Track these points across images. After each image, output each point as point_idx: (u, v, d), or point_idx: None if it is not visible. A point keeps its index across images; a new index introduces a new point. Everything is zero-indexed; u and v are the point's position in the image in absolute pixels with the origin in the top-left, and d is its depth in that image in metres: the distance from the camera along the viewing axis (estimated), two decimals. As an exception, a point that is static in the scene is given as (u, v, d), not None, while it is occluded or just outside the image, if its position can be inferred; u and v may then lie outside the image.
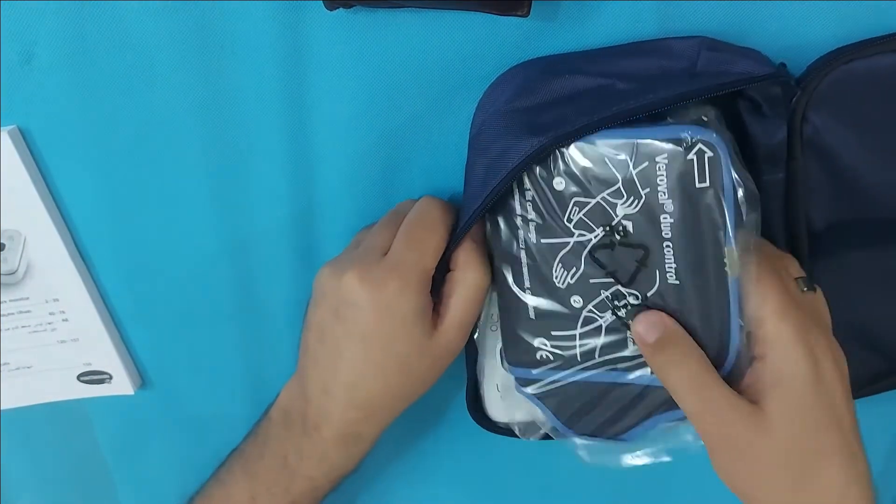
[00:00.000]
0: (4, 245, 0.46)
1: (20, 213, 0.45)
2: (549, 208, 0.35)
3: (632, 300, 0.36)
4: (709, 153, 0.32)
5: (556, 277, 0.36)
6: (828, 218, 0.39)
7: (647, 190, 0.33)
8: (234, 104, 0.41)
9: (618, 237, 0.34)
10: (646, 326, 0.35)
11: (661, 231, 0.34)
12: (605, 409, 0.39)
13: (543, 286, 0.37)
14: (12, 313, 0.49)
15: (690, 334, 0.35)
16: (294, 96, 0.41)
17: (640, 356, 0.37)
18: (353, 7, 0.37)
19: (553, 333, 0.38)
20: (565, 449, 0.41)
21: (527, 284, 0.37)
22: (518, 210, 0.36)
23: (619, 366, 0.37)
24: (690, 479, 0.55)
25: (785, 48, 0.37)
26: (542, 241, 0.36)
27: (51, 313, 0.49)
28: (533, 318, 0.38)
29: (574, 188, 0.34)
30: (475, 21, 0.38)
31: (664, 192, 0.33)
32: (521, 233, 0.36)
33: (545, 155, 0.34)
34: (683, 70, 0.35)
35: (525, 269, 0.37)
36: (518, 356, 0.39)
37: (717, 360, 0.35)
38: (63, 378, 0.52)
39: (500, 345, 0.41)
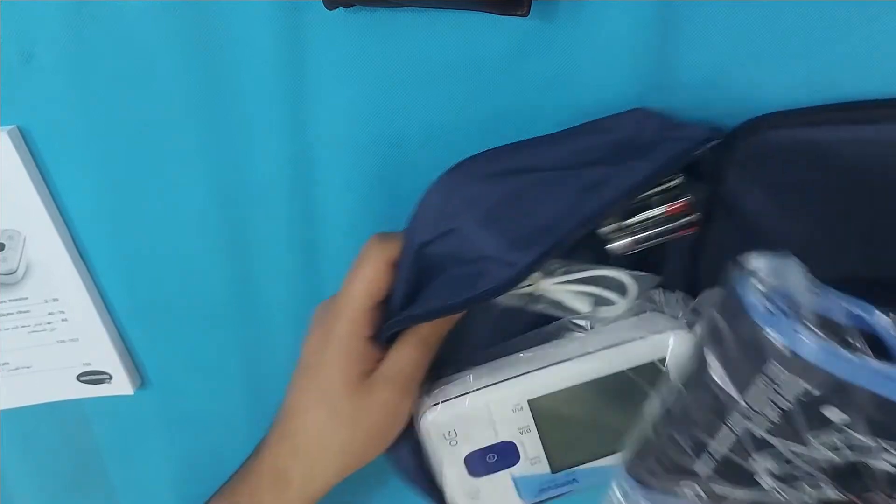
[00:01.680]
0: (4, 245, 0.46)
1: (20, 213, 0.45)
2: (799, 421, 0.29)
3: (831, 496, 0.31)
4: None
5: (757, 463, 0.31)
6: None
7: None
8: (234, 104, 0.41)
9: (867, 470, 0.29)
10: None
11: None
12: None
13: (731, 463, 0.32)
14: (12, 313, 0.49)
15: None
16: (294, 96, 0.41)
17: None
18: (353, 7, 0.37)
19: (713, 488, 0.34)
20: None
21: (711, 450, 0.32)
22: (752, 403, 0.30)
23: None
24: None
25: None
26: (765, 436, 0.30)
27: (50, 313, 0.49)
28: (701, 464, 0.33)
29: (851, 422, 0.28)
30: (475, 21, 0.38)
31: None
32: (735, 417, 0.30)
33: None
34: (630, 142, 0.36)
35: (715, 441, 0.32)
36: (657, 484, 0.36)
37: None
38: (63, 378, 0.52)
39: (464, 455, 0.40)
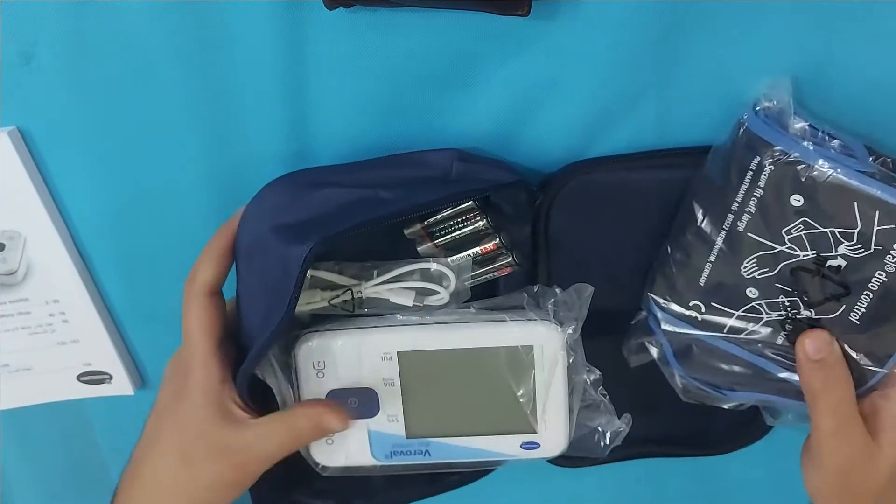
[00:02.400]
0: (4, 245, 0.46)
1: (20, 213, 0.45)
2: (774, 213, 0.36)
3: (806, 314, 0.38)
4: None
5: (745, 268, 0.38)
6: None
7: (879, 248, 0.35)
8: (234, 104, 0.41)
9: (826, 270, 0.36)
10: (815, 345, 0.38)
11: (870, 282, 0.36)
12: (726, 374, 0.42)
13: (726, 268, 0.38)
14: (12, 314, 0.49)
15: (847, 361, 0.38)
16: (294, 96, 0.41)
17: (782, 355, 0.40)
18: (353, 6, 0.37)
19: (713, 304, 0.40)
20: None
21: (710, 258, 0.39)
22: (739, 197, 0.37)
23: (766, 352, 0.40)
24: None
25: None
26: (749, 234, 0.37)
27: (51, 314, 0.49)
28: (702, 284, 0.40)
29: (809, 210, 0.35)
30: (475, 21, 0.38)
31: (893, 256, 0.35)
32: (730, 218, 0.37)
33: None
34: (439, 178, 0.40)
35: (716, 249, 0.38)
36: (671, 296, 0.41)
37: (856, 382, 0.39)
38: (63, 378, 0.52)
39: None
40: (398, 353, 0.40)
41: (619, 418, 0.42)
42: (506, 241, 0.41)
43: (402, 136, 0.42)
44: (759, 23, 0.37)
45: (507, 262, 0.42)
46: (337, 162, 0.43)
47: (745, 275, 0.38)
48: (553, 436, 0.42)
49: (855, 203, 0.34)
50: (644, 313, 0.44)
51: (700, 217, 0.39)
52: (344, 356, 0.40)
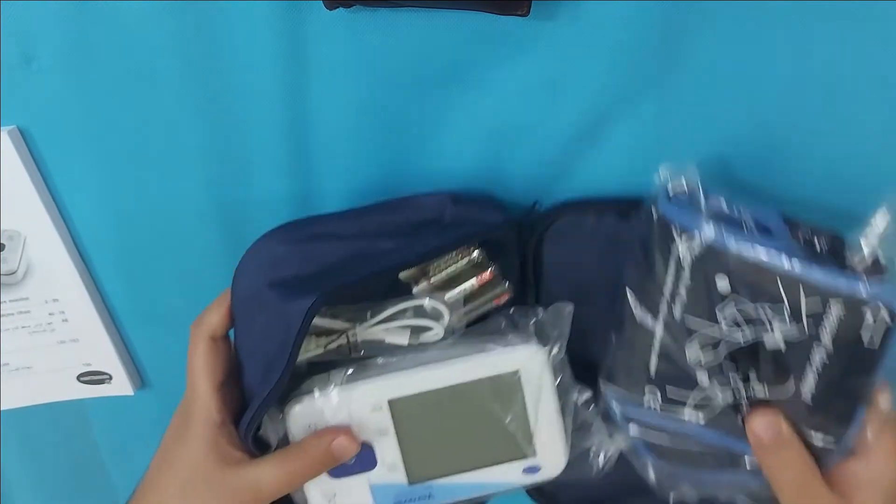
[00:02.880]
0: (4, 245, 0.46)
1: (20, 213, 0.45)
2: (703, 296, 0.35)
3: (758, 394, 0.37)
4: (889, 323, 0.32)
5: (689, 353, 0.37)
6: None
7: (810, 322, 0.34)
8: (234, 104, 0.41)
9: (765, 351, 0.35)
10: (763, 426, 0.36)
11: (812, 363, 0.35)
12: (698, 458, 0.40)
13: (672, 355, 0.37)
14: (12, 314, 0.49)
15: (802, 438, 0.37)
16: (294, 96, 0.41)
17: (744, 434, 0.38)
18: (353, 7, 0.37)
19: (667, 394, 0.39)
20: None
21: (654, 347, 0.38)
22: (668, 283, 0.36)
23: (730, 433, 0.38)
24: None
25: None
26: (686, 319, 0.36)
27: (50, 314, 0.49)
28: (653, 375, 0.38)
29: (736, 288, 0.35)
30: (475, 21, 0.38)
31: (827, 333, 0.34)
32: (664, 305, 0.37)
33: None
34: (433, 221, 0.41)
35: (657, 338, 0.38)
36: (627, 388, 0.40)
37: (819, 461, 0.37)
38: (63, 378, 0.52)
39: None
40: (388, 401, 0.40)
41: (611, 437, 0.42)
42: (499, 270, 0.41)
43: (403, 135, 0.42)
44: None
45: (503, 290, 0.42)
46: (338, 160, 0.43)
47: (690, 361, 0.37)
48: (551, 456, 0.42)
49: (777, 279, 0.34)
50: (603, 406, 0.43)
51: (636, 307, 0.38)
52: (334, 415, 0.39)
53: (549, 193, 0.44)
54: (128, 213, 0.46)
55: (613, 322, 0.40)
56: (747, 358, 0.36)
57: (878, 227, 0.33)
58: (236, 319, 0.40)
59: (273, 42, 0.39)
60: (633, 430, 0.41)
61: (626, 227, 0.41)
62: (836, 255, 0.35)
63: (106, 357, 0.51)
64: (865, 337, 0.33)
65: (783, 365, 0.35)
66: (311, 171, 0.43)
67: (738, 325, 0.35)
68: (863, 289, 0.32)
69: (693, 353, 0.36)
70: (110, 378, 0.53)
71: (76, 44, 0.39)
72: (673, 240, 0.35)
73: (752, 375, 0.36)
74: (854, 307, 0.32)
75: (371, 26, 0.38)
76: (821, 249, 0.35)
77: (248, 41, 0.39)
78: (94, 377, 0.52)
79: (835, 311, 0.33)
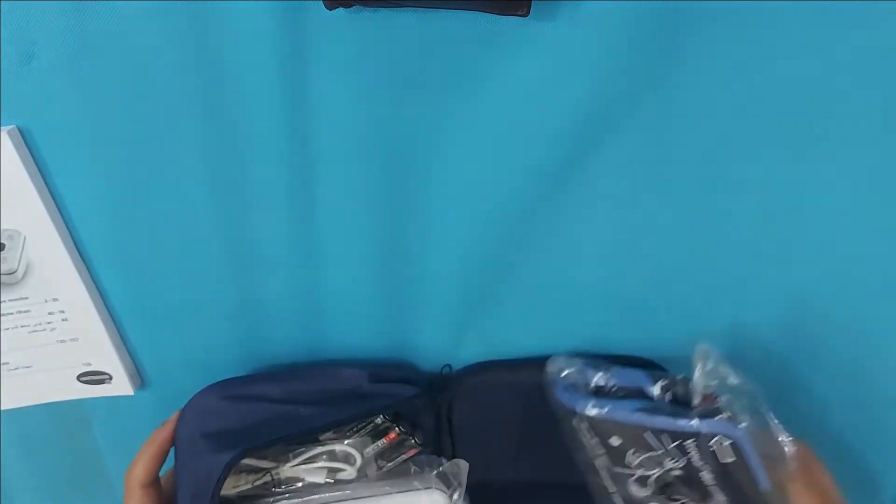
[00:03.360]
0: (4, 245, 0.46)
1: (20, 213, 0.45)
2: (614, 451, 0.44)
3: None
4: (728, 441, 0.41)
5: (633, 491, 0.45)
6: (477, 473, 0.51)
7: (686, 462, 0.43)
8: (234, 104, 0.41)
9: (674, 477, 0.43)
10: None
11: (705, 481, 0.43)
12: None
13: (626, 496, 0.46)
14: (12, 313, 0.49)
15: None
16: (294, 96, 0.41)
17: None
18: (353, 7, 0.37)
19: None
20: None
21: (612, 490, 0.46)
22: (589, 446, 0.45)
23: None
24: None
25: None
26: (615, 468, 0.45)
27: (50, 313, 0.49)
28: None
29: (626, 442, 0.44)
30: (475, 21, 0.38)
31: (699, 460, 0.42)
32: (597, 461, 0.46)
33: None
34: (352, 391, 0.49)
35: (608, 485, 0.46)
36: None
37: None
38: (63, 378, 0.52)
39: None
40: None
41: None
42: (406, 428, 0.50)
43: (403, 135, 0.42)
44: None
45: (412, 445, 0.50)
46: (338, 160, 0.43)
47: (636, 498, 0.45)
48: None
49: (644, 435, 0.43)
50: None
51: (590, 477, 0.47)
52: None
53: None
54: (128, 213, 0.46)
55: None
56: (670, 486, 0.44)
57: (698, 368, 0.42)
58: (178, 456, 0.46)
59: (273, 42, 0.39)
60: None
61: (524, 383, 0.50)
62: (686, 396, 0.43)
63: (106, 357, 0.51)
64: (722, 458, 0.41)
65: (695, 486, 0.43)
66: (312, 169, 0.43)
67: (646, 466, 0.44)
68: (702, 426, 0.41)
69: (634, 490, 0.45)
70: (110, 378, 0.53)
71: (76, 43, 0.39)
72: (572, 416, 0.45)
73: (681, 499, 0.44)
74: (703, 441, 0.41)
75: (371, 26, 0.38)
76: (674, 396, 0.44)
77: (248, 41, 0.39)
78: (94, 377, 0.52)
79: (692, 447, 0.42)
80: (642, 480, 0.44)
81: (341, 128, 0.42)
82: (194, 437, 0.45)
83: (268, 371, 0.52)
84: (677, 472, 0.43)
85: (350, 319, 0.50)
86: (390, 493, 0.46)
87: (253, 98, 0.41)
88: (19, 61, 0.40)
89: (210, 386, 0.48)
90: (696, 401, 0.43)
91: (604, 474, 0.46)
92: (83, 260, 0.48)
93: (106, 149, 0.43)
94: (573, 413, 0.45)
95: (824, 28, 0.37)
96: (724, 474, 0.42)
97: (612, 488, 0.46)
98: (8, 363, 0.51)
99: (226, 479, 0.43)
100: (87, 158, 0.43)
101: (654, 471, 0.44)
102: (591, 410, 0.44)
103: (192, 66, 0.40)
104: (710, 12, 0.37)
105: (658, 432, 0.43)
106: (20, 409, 0.54)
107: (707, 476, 0.43)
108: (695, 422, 0.42)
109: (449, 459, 0.50)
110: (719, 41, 0.38)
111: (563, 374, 0.46)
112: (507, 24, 0.37)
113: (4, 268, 0.46)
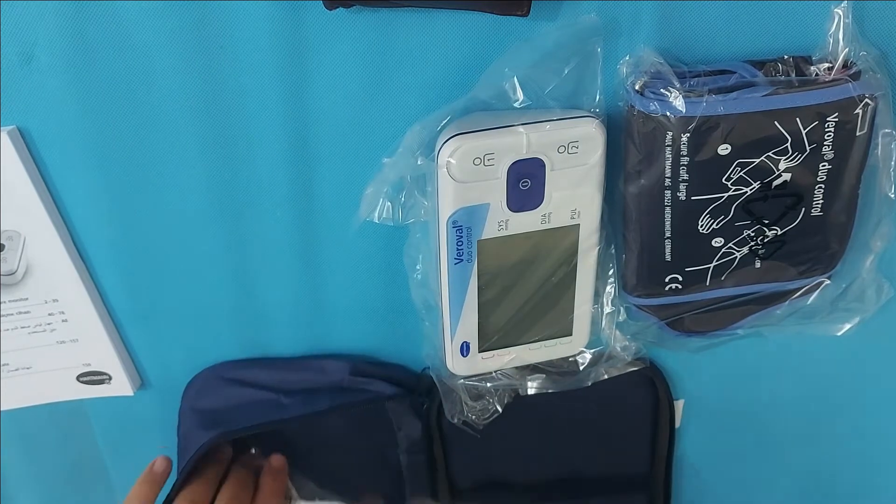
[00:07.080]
0: (4, 245, 0.46)
1: (20, 213, 0.45)
2: (708, 170, 0.37)
3: (771, 234, 0.39)
4: (871, 104, 0.35)
5: (702, 226, 0.39)
6: (471, 479, 0.54)
7: (814, 145, 0.36)
8: (234, 104, 0.41)
9: (775, 191, 0.37)
10: None
11: (817, 177, 0.37)
12: (724, 315, 0.43)
13: (685, 234, 0.39)
14: (12, 314, 0.49)
15: (815, 249, 0.40)
16: (294, 96, 0.41)
17: (763, 276, 0.41)
18: (353, 7, 0.37)
19: (687, 270, 0.41)
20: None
21: (667, 234, 0.39)
22: (667, 173, 0.37)
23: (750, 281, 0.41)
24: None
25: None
26: (693, 197, 0.38)
27: (50, 314, 0.49)
28: (669, 259, 0.40)
29: (738, 151, 0.36)
30: (475, 21, 0.38)
31: (829, 145, 0.36)
32: (667, 193, 0.38)
33: None
34: (334, 385, 0.50)
35: (667, 227, 0.39)
36: (647, 290, 0.42)
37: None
38: (62, 378, 0.52)
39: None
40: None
41: None
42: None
43: (401, 135, 0.42)
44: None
45: None
46: (338, 160, 0.43)
47: (704, 231, 0.39)
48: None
49: (776, 122, 0.35)
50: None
51: (635, 211, 0.39)
52: None
53: None
54: (127, 213, 0.46)
55: (614, 228, 0.42)
56: (756, 206, 0.38)
57: (838, 32, 0.35)
58: (181, 421, 0.52)
59: (273, 42, 0.39)
60: (657, 314, 0.43)
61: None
62: (806, 74, 0.36)
63: (106, 357, 0.51)
64: (858, 128, 0.36)
65: (791, 194, 0.37)
66: (312, 169, 0.43)
67: (744, 183, 0.37)
68: (852, 89, 0.35)
69: (705, 223, 0.38)
70: (110, 378, 0.53)
71: (76, 44, 0.39)
72: (661, 130, 0.36)
73: (763, 220, 0.38)
74: (846, 108, 0.35)
75: (371, 26, 0.38)
76: (793, 77, 0.36)
77: (248, 41, 0.39)
78: (93, 377, 0.52)
79: (832, 121, 0.35)
80: (721, 207, 0.38)
81: (341, 128, 0.42)
82: (192, 411, 0.51)
83: (269, 360, 0.52)
84: (783, 178, 0.37)
85: (351, 321, 0.50)
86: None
87: (253, 98, 0.41)
88: (19, 62, 0.40)
89: (220, 364, 0.52)
90: (824, 73, 0.36)
91: (667, 206, 0.38)
92: (83, 260, 0.48)
93: (106, 149, 0.43)
94: (669, 120, 0.35)
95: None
96: (846, 156, 0.37)
97: (668, 230, 0.39)
98: (8, 364, 0.51)
99: (200, 457, 0.47)
100: (87, 159, 0.43)
101: (750, 187, 0.37)
102: (695, 108, 0.35)
103: (191, 65, 0.40)
104: (709, 12, 0.37)
105: (789, 115, 0.35)
106: (20, 409, 0.54)
107: (822, 167, 0.37)
108: (844, 86, 0.35)
109: (441, 467, 0.51)
110: (718, 41, 0.38)
111: (640, 81, 0.36)
112: (507, 24, 0.37)
113: (4, 268, 0.46)
